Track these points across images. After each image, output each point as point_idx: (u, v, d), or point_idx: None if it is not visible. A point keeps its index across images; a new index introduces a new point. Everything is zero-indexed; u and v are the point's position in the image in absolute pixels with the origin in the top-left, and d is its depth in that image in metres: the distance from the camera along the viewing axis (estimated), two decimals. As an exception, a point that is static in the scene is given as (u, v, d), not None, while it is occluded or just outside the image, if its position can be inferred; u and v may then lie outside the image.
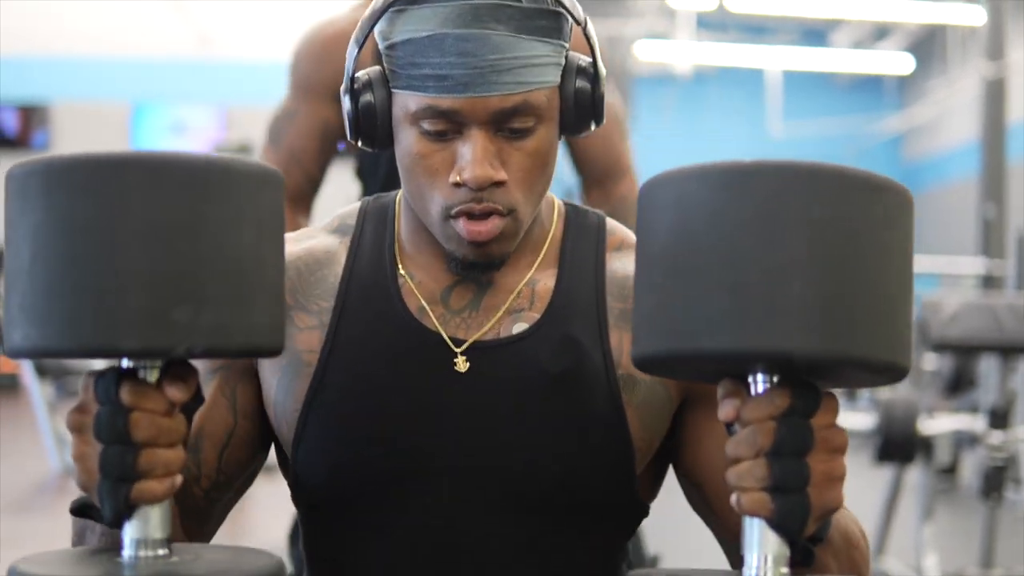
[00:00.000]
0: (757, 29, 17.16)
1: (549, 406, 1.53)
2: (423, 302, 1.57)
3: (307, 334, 1.56)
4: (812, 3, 14.02)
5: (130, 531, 1.25)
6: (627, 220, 2.88)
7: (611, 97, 3.02)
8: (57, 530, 1.54)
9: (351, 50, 1.54)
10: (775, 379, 1.23)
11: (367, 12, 1.50)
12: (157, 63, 15.66)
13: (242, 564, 1.26)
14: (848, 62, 16.92)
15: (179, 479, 1.26)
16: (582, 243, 1.63)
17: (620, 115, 3.08)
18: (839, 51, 17.05)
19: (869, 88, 18.89)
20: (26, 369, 8.45)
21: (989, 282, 9.68)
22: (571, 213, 1.67)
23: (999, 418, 5.46)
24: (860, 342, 1.18)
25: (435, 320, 1.56)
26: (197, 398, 1.29)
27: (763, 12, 14.85)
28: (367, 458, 1.53)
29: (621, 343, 1.56)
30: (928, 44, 17.59)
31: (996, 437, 5.34)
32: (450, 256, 1.55)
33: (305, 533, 1.64)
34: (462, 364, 1.54)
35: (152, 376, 1.25)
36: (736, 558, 1.52)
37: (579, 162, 3.09)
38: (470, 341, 1.55)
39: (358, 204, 1.69)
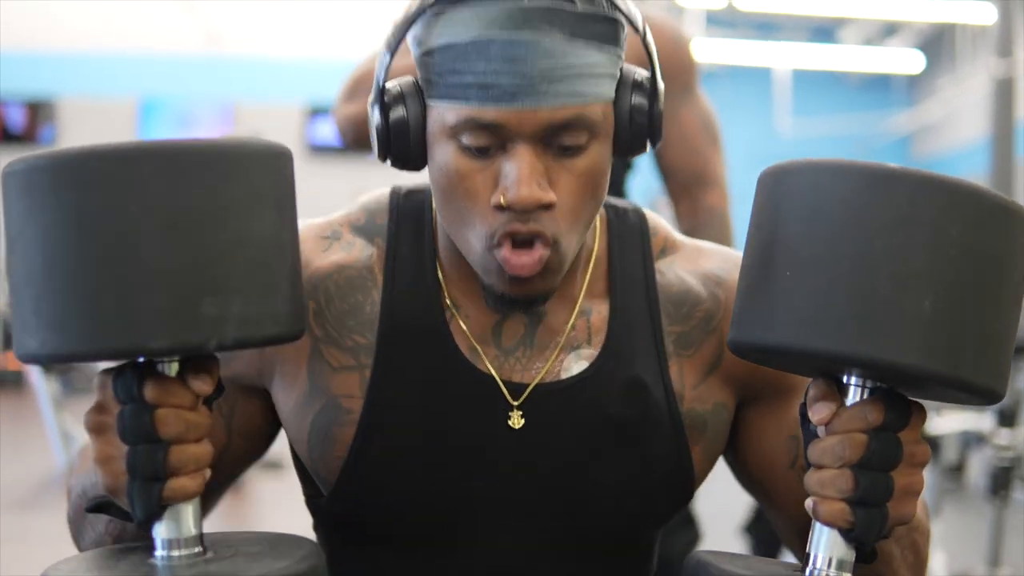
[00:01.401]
0: (766, 27, 17.11)
1: (611, 454, 1.46)
2: (473, 341, 1.46)
3: (344, 376, 1.45)
4: (821, 1, 13.97)
5: (162, 531, 1.22)
6: (714, 233, 2.84)
7: (698, 103, 2.98)
8: (63, 527, 1.52)
9: (382, 58, 1.38)
10: (869, 384, 1.23)
11: (401, 15, 1.36)
12: (165, 59, 15.64)
13: (283, 556, 1.24)
14: (857, 60, 16.87)
15: (209, 472, 1.23)
16: (628, 254, 1.52)
17: (710, 121, 2.98)
18: (848, 48, 17.01)
19: (878, 86, 18.84)
20: (32, 366, 8.44)
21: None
22: (612, 216, 1.56)
23: (1007, 417, 5.45)
24: (971, 366, 1.17)
25: (488, 363, 1.46)
26: (219, 388, 1.26)
27: (772, 10, 14.81)
28: (417, 504, 1.45)
29: (681, 374, 1.49)
30: (937, 42, 17.54)
31: (1003, 436, 5.34)
32: (489, 292, 1.42)
33: (332, 560, 1.55)
34: (516, 420, 1.44)
35: (172, 369, 1.22)
36: (795, 544, 1.51)
37: (664, 170, 2.98)
38: (531, 387, 1.45)
39: (386, 197, 1.56)
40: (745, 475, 1.56)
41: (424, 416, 1.44)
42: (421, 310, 1.47)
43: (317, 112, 15.35)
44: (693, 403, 1.48)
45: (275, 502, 6.75)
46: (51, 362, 1.21)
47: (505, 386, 1.45)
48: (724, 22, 16.42)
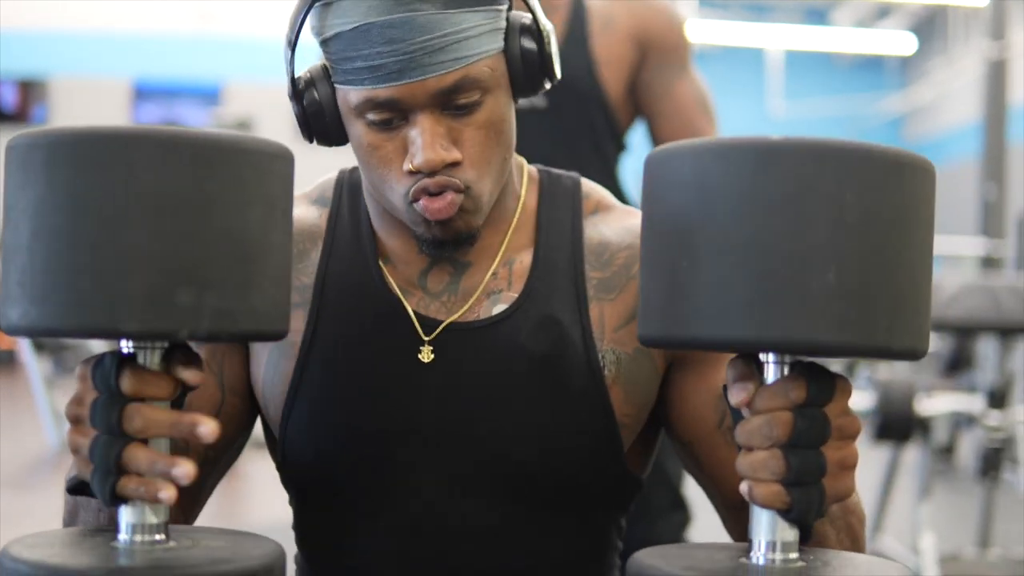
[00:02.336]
0: (759, 8, 17.12)
1: (528, 389, 1.50)
2: (403, 285, 1.55)
3: (292, 313, 1.49)
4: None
5: (126, 515, 1.23)
6: None
7: (693, 78, 3.00)
8: (54, 506, 1.53)
9: (285, 53, 1.50)
10: (787, 360, 1.21)
11: (293, 9, 1.47)
12: (157, 38, 15.62)
13: (240, 552, 1.24)
14: (850, 41, 16.87)
15: (173, 492, 1.22)
16: (557, 212, 1.59)
17: (704, 97, 3.00)
18: (841, 30, 17.01)
19: (871, 68, 18.85)
20: (23, 345, 8.45)
21: (989, 263, 9.68)
22: (545, 179, 1.63)
23: (997, 399, 5.45)
24: (886, 331, 1.15)
25: (414, 304, 1.54)
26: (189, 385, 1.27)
27: (765, -9, 14.82)
28: (349, 445, 1.51)
29: (602, 317, 1.53)
30: (930, 24, 17.54)
31: (994, 418, 5.34)
32: (421, 239, 1.51)
33: (295, 515, 1.63)
34: (427, 354, 1.51)
35: (154, 360, 1.22)
36: (729, 516, 1.52)
37: (658, 144, 3.01)
38: (444, 325, 1.52)
39: (335, 175, 1.67)
40: (675, 437, 1.57)
41: (351, 350, 1.52)
42: (356, 259, 1.57)
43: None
44: (613, 344, 1.52)
45: (265, 481, 6.75)
46: (30, 335, 1.21)
47: (423, 326, 1.52)
48: (717, 3, 16.42)
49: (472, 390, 1.50)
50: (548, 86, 1.52)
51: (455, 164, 1.44)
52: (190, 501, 1.56)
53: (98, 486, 1.21)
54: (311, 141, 1.54)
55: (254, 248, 1.19)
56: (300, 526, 1.62)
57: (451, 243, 1.51)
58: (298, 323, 1.53)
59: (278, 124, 15.17)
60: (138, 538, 1.23)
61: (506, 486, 1.51)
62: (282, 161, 1.23)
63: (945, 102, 17.51)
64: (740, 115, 17.24)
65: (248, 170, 1.19)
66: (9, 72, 15.46)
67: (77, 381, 1.25)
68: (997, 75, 10.89)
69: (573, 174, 1.65)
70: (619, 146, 3.05)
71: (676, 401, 1.54)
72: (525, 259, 1.56)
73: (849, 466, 1.23)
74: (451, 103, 1.44)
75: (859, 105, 18.00)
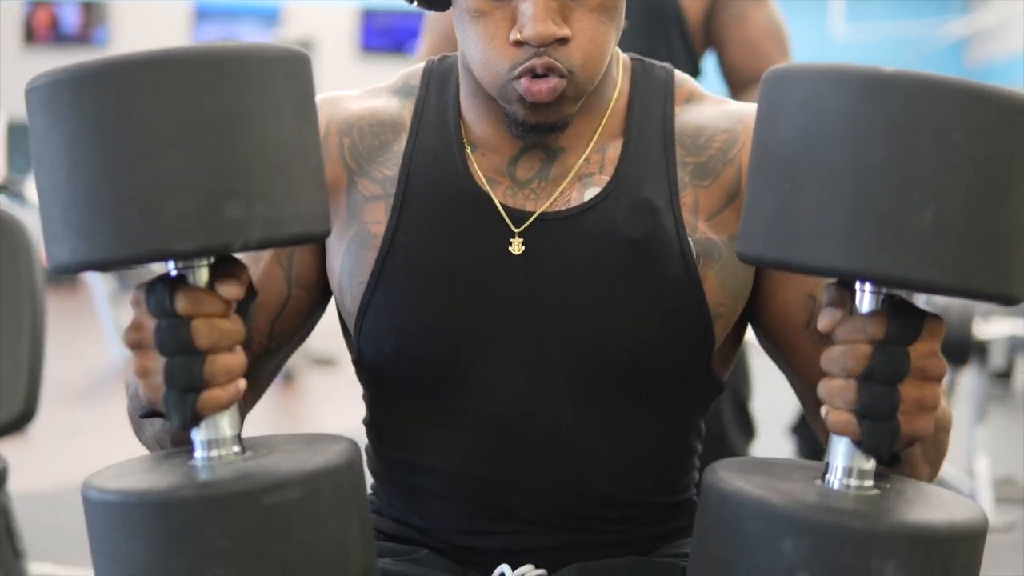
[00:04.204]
0: (821, -70, 16.92)
1: (621, 277, 1.48)
2: (490, 174, 1.54)
3: (373, 204, 1.54)
4: (878, -96, 13.78)
5: (200, 434, 1.26)
6: None
7: (768, 7, 3.01)
8: (120, 420, 1.57)
9: None
10: (882, 293, 1.22)
11: None
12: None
13: (318, 451, 1.27)
14: (913, -36, 16.64)
15: (243, 384, 1.27)
16: (650, 99, 1.58)
17: (778, 27, 3.01)
18: (904, -47, 16.78)
19: (934, -9, 18.61)
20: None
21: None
22: (638, 68, 1.61)
23: (1055, 323, 5.44)
24: (982, 274, 1.15)
25: (501, 193, 1.53)
26: (250, 292, 1.30)
27: (827, -87, 14.64)
28: (431, 336, 1.51)
29: (696, 203, 1.52)
30: (995, -53, 17.30)
31: (1051, 343, 5.33)
32: (511, 119, 1.49)
33: (369, 410, 1.63)
34: (517, 246, 1.50)
35: (202, 277, 1.25)
36: (811, 412, 1.53)
37: (726, 70, 3.02)
38: (535, 215, 1.51)
39: (423, 64, 1.65)
40: (762, 332, 1.58)
41: (436, 243, 1.52)
42: (443, 148, 1.55)
43: (369, 13, 15.31)
44: (707, 231, 1.51)
45: (326, 397, 6.82)
46: (83, 270, 1.24)
47: (515, 214, 1.52)
48: (779, -75, 16.25)
49: (563, 281, 1.49)
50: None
51: (563, 42, 1.42)
52: (251, 389, 1.58)
53: (176, 406, 1.23)
54: (412, 1, 1.52)
55: (291, 153, 1.22)
56: (373, 422, 1.63)
57: (542, 128, 1.48)
58: (380, 214, 1.53)
59: (339, 44, 15.16)
60: (215, 453, 1.26)
61: (593, 380, 1.50)
62: (302, 64, 1.26)
63: (1009, 26, 17.28)
64: (802, 39, 17.09)
65: (273, 78, 1.21)
66: (71, -7, 15.49)
67: (132, 306, 1.27)
68: (1062, -1, 10.73)
69: (667, 65, 1.63)
70: (694, 70, 3.07)
71: (766, 296, 1.54)
72: (617, 145, 1.55)
73: (928, 407, 1.24)
74: None
75: (921, 29, 17.78)
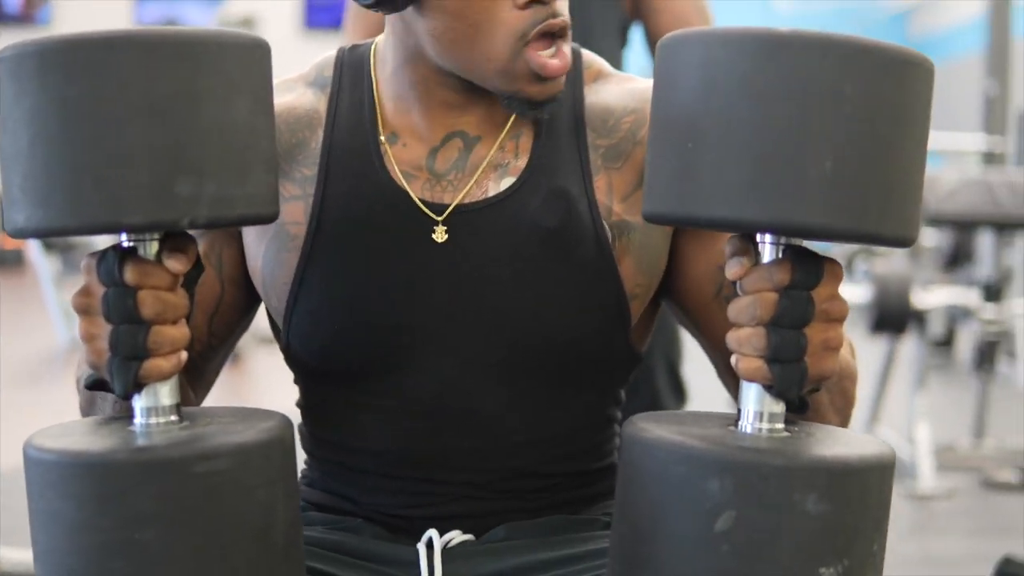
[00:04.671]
0: (763, -97, 16.97)
1: (538, 262, 1.51)
2: (407, 168, 1.54)
3: (292, 205, 1.54)
4: None
5: (140, 401, 1.29)
6: None
7: None
8: (66, 400, 1.59)
9: None
10: (782, 243, 1.26)
11: None
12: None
13: (252, 425, 1.30)
14: (855, -64, 16.73)
15: (185, 355, 1.30)
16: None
17: (703, 8, 3.04)
18: (846, -75, 16.86)
19: (876, -37, 18.72)
20: (32, 244, 8.50)
21: (991, 158, 9.67)
22: None
23: (993, 292, 5.53)
24: (876, 218, 1.21)
25: (419, 186, 1.53)
26: (197, 267, 1.33)
27: None
28: (357, 331, 1.54)
29: (610, 187, 1.54)
30: (936, -82, 17.39)
31: (990, 311, 5.42)
32: (513, 100, 1.48)
33: (301, 395, 1.66)
34: (440, 234, 1.52)
35: (152, 250, 1.27)
36: (727, 378, 1.56)
37: (652, 43, 3.04)
38: (452, 206, 1.52)
39: (334, 53, 1.64)
40: (677, 305, 1.61)
41: (357, 240, 1.53)
42: (359, 144, 1.56)
43: (313, -10, 15.28)
44: (623, 214, 1.53)
45: (269, 375, 6.84)
46: (36, 236, 1.27)
47: (433, 207, 1.53)
48: (721, -102, 16.30)
49: (484, 269, 1.52)
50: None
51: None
52: (198, 385, 1.62)
53: (119, 372, 1.26)
54: (369, 6, 1.47)
55: (244, 136, 1.25)
56: (306, 405, 1.66)
57: (547, 103, 1.49)
58: (299, 215, 1.54)
59: (281, 21, 15.12)
60: (153, 420, 1.29)
61: (516, 363, 1.54)
62: (261, 51, 1.29)
63: (950, -3, 17.40)
64: (746, 10, 17.16)
65: (231, 63, 1.24)
66: (11, -28, 15.38)
67: (83, 273, 1.29)
68: (1001, -30, 10.82)
69: (573, 44, 1.61)
70: (622, 41, 3.11)
71: (678, 268, 1.58)
72: (529, 131, 1.56)
73: (833, 347, 1.28)
74: None
75: (864, 1, 17.88)
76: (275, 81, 1.58)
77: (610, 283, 1.53)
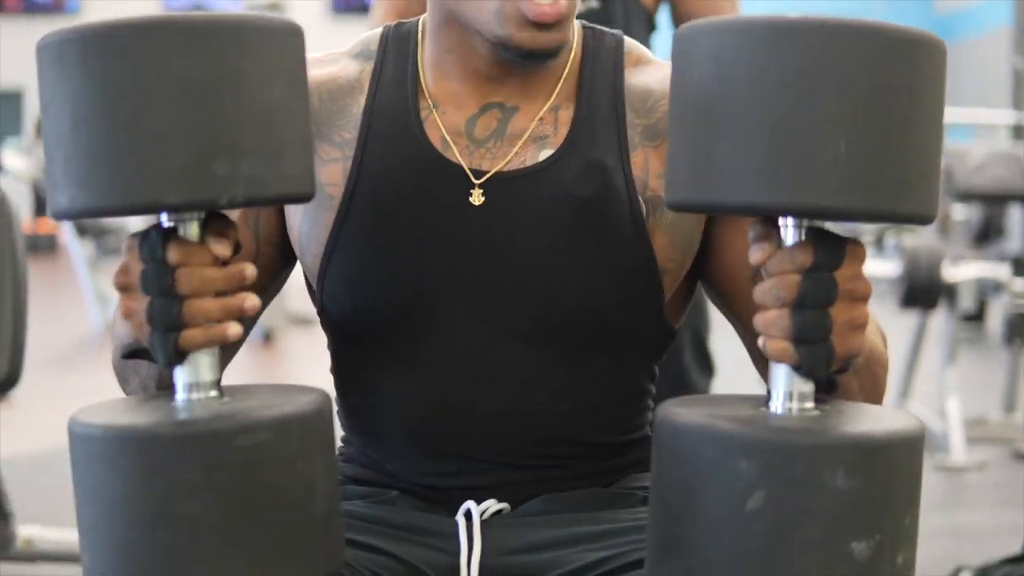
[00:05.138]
0: None
1: (573, 234, 1.54)
2: (446, 133, 1.57)
3: (331, 166, 1.57)
4: None
5: (181, 376, 1.31)
6: None
7: None
8: (102, 384, 1.62)
9: None
10: (804, 225, 1.28)
11: None
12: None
13: (292, 399, 1.32)
14: (882, -89, 16.65)
15: (234, 327, 1.31)
16: (601, 64, 1.61)
17: None
18: (873, -100, 16.78)
19: (903, -62, 18.64)
20: (66, 229, 8.57)
21: (1020, 132, 9.66)
22: (588, 35, 1.64)
23: (1022, 266, 5.51)
24: (893, 197, 1.23)
25: (458, 152, 1.56)
26: (237, 250, 1.34)
27: None
28: (390, 291, 1.56)
29: (646, 163, 1.57)
30: None
31: (1020, 285, 5.40)
32: (506, 46, 1.50)
33: (334, 360, 1.68)
34: (477, 197, 1.54)
35: (193, 231, 1.30)
36: (759, 361, 1.57)
37: (678, 21, 3.03)
38: (492, 172, 1.55)
39: (380, 29, 1.67)
40: (712, 289, 1.64)
41: (394, 201, 1.55)
42: (400, 110, 1.58)
43: (339, -27, 15.30)
44: (658, 190, 1.55)
45: (303, 355, 6.87)
46: (79, 217, 1.30)
47: (472, 172, 1.55)
48: None
49: (518, 235, 1.54)
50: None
51: None
52: (229, 345, 1.64)
53: (160, 343, 1.29)
54: None
55: (280, 118, 1.28)
56: (338, 369, 1.67)
57: (541, 55, 1.50)
58: (337, 176, 1.57)
59: (309, 5, 15.16)
60: (195, 396, 1.32)
61: (546, 330, 1.56)
62: (296, 36, 1.31)
63: (978, -29, 17.32)
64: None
65: (267, 47, 1.27)
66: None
67: (124, 252, 1.32)
68: (1030, -57, 10.78)
69: (616, 31, 1.66)
70: (650, 26, 3.12)
71: (714, 252, 1.60)
72: (570, 106, 1.58)
73: (859, 326, 1.30)
74: None
75: (891, -25, 17.82)
76: (319, 54, 1.63)
77: (643, 256, 1.55)
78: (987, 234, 7.80)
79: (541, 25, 1.46)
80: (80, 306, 8.56)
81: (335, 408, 1.47)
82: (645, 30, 3.07)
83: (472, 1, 1.49)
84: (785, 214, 1.27)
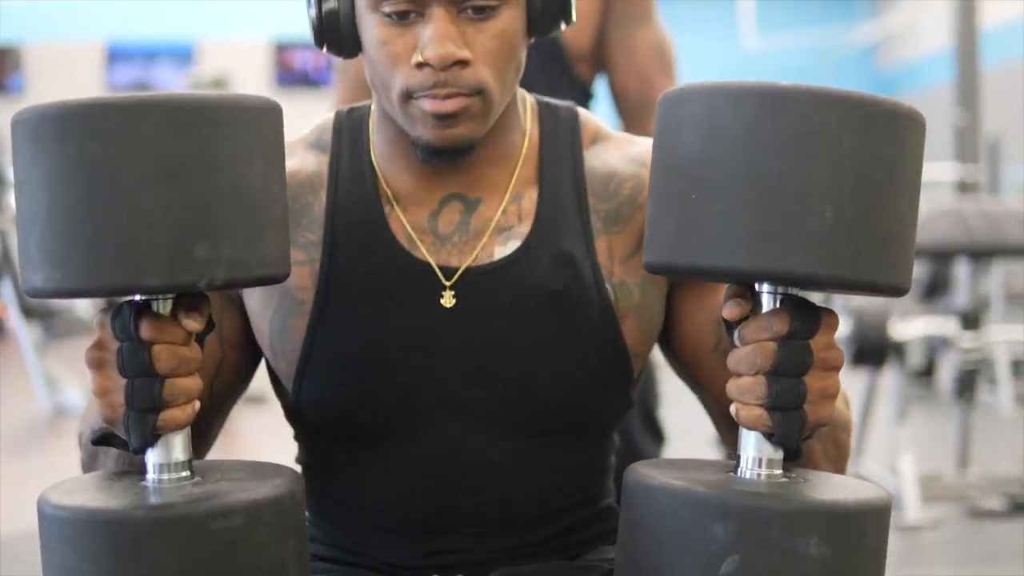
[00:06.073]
0: (728, -57, 17.09)
1: (544, 323, 1.55)
2: (411, 231, 1.57)
3: (298, 270, 1.55)
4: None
5: (153, 457, 1.32)
6: None
7: (653, 29, 3.04)
8: (54, 469, 1.60)
9: None
10: (780, 292, 1.29)
11: None
12: (129, 0, 15.59)
13: (264, 480, 1.33)
14: (820, -27, 16.84)
15: (198, 404, 1.32)
16: (559, 144, 1.61)
17: (664, 49, 3.02)
18: (810, -38, 16.97)
19: (842, -2, 18.86)
20: (12, 312, 8.49)
21: (963, 187, 9.73)
22: (544, 111, 1.65)
23: (971, 321, 5.54)
24: (874, 267, 1.24)
25: (424, 250, 1.56)
26: (210, 324, 1.35)
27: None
28: (368, 395, 1.56)
29: (610, 250, 1.57)
30: (899, -49, 17.53)
31: (968, 339, 5.43)
32: (418, 144, 1.51)
33: (304, 453, 1.68)
34: (449, 299, 1.54)
35: (166, 308, 1.30)
36: (724, 429, 1.59)
37: (615, 93, 3.04)
38: (462, 269, 1.55)
39: (332, 116, 1.67)
40: (674, 358, 1.64)
41: (366, 304, 1.55)
42: (362, 207, 1.58)
43: (284, 47, 15.33)
44: (623, 276, 1.57)
45: (260, 434, 6.84)
46: (54, 296, 1.29)
47: (440, 271, 1.55)
48: (686, -60, 16.39)
49: (491, 331, 1.55)
50: (563, 27, 1.54)
51: (464, 64, 1.45)
52: (201, 442, 1.61)
53: (136, 425, 1.28)
54: (322, 47, 1.55)
55: (258, 199, 1.28)
56: (308, 462, 1.67)
57: (450, 150, 1.50)
58: (305, 280, 1.56)
59: (254, 80, 15.18)
60: (166, 476, 1.32)
61: (522, 420, 1.57)
62: (274, 115, 1.32)
63: (917, 30, 17.52)
64: (714, 51, 17.24)
65: (246, 127, 1.27)
66: (-18, 41, 15.43)
67: (96, 328, 1.32)
68: (967, 1, 10.90)
69: (569, 103, 1.67)
70: (587, 96, 3.11)
71: (676, 323, 1.61)
72: (532, 194, 1.59)
73: (830, 395, 1.31)
74: (468, 4, 1.46)
75: (832, 35, 18.00)
76: None
77: (614, 342, 1.57)
78: (935, 289, 7.84)
79: (444, 118, 1.46)
80: (28, 389, 8.48)
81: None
82: (582, 96, 3.06)
83: (389, 103, 1.50)
84: (768, 281, 1.28)
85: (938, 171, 10.19)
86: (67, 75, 15.26)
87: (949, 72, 11.49)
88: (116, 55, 15.88)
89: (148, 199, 1.21)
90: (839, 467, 1.53)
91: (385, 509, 1.61)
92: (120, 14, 15.65)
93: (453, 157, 1.52)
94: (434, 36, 1.44)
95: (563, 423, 1.59)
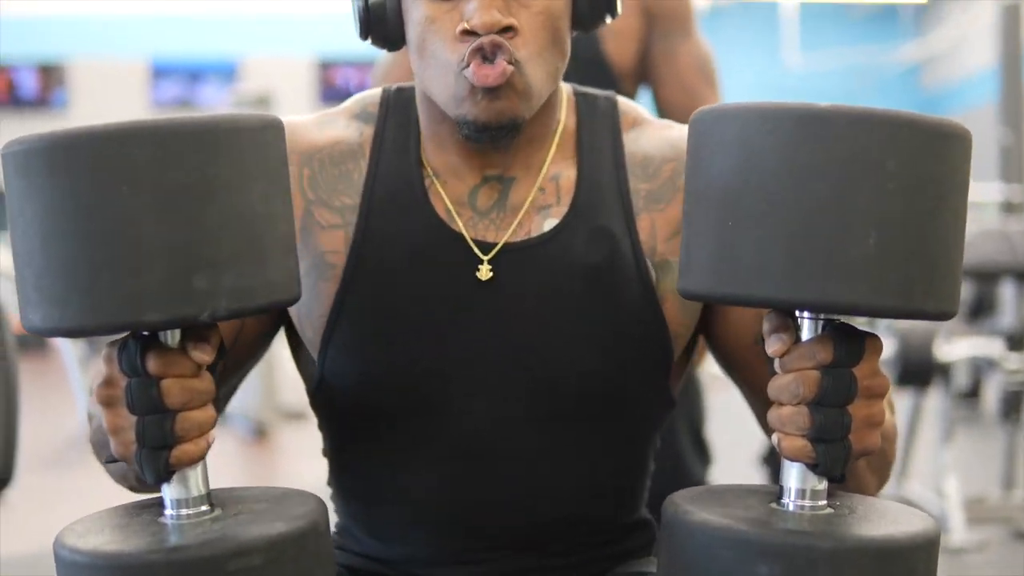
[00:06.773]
0: (771, -38, 17.06)
1: (582, 301, 1.52)
2: (450, 204, 1.56)
3: (331, 233, 1.55)
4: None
5: (170, 492, 1.29)
6: None
7: (696, 44, 3.07)
8: (96, 484, 1.59)
9: None
10: (822, 319, 1.25)
11: None
12: (173, 18, 15.67)
13: (285, 512, 1.29)
14: (863, -8, 16.80)
15: (213, 436, 1.30)
16: (597, 128, 1.61)
17: (706, 63, 3.04)
18: (854, -19, 16.94)
19: (885, 17, 18.76)
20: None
21: (1009, 207, 9.67)
22: (581, 101, 1.65)
23: (1016, 342, 5.51)
24: (921, 294, 1.19)
25: (462, 223, 1.55)
26: (220, 352, 1.32)
27: (776, -56, 14.76)
28: (394, 366, 1.53)
29: (653, 228, 1.56)
30: (944, -30, 17.47)
31: (1014, 360, 5.38)
32: (462, 122, 1.49)
33: (328, 441, 1.65)
34: (485, 272, 1.52)
35: (174, 339, 1.26)
36: (764, 423, 1.55)
37: (660, 107, 3.05)
38: (500, 245, 1.54)
39: (379, 91, 1.66)
40: (717, 350, 1.62)
41: (399, 272, 1.53)
42: (403, 178, 1.57)
43: (328, 65, 15.38)
44: (666, 254, 1.55)
45: (297, 451, 6.84)
46: (54, 335, 1.25)
47: (477, 245, 1.54)
48: (729, -41, 16.38)
49: (527, 308, 1.52)
50: (608, 20, 1.54)
51: (508, 30, 1.44)
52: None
53: (149, 462, 1.26)
54: (366, 38, 1.55)
55: (260, 223, 1.24)
56: (334, 451, 1.65)
57: (495, 127, 1.48)
58: (338, 244, 1.55)
59: (297, 98, 15.24)
60: (184, 511, 1.29)
61: (557, 404, 1.53)
62: (274, 131, 1.27)
63: (961, 49, 17.44)
64: (757, 69, 17.20)
65: (245, 148, 1.23)
66: (28, 58, 15.52)
67: (103, 363, 1.29)
68: (1012, 19, 10.85)
69: (609, 93, 1.67)
70: None
71: (717, 315, 1.58)
72: (570, 174, 1.58)
73: (875, 423, 1.28)
74: None
75: (875, 54, 17.93)
76: (313, 116, 1.63)
77: (654, 322, 1.54)
78: (979, 310, 7.79)
79: (489, 91, 1.44)
80: (71, 405, 8.51)
81: (329, 505, 1.44)
82: None
83: (435, 85, 1.49)
84: (809, 309, 1.24)
85: (983, 191, 10.13)
86: (111, 92, 15.34)
87: (993, 91, 11.44)
88: (160, 72, 15.94)
89: (142, 231, 1.17)
90: (883, 477, 1.52)
91: (408, 499, 1.58)
92: (164, 32, 15.73)
93: (498, 135, 1.50)
94: (480, 4, 1.43)
95: (597, 404, 1.55)
